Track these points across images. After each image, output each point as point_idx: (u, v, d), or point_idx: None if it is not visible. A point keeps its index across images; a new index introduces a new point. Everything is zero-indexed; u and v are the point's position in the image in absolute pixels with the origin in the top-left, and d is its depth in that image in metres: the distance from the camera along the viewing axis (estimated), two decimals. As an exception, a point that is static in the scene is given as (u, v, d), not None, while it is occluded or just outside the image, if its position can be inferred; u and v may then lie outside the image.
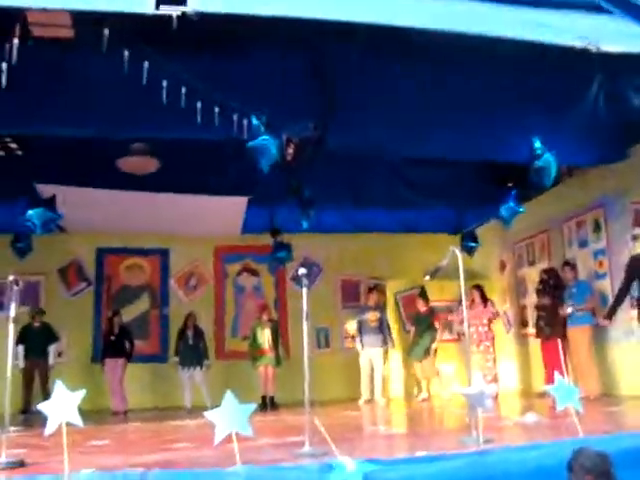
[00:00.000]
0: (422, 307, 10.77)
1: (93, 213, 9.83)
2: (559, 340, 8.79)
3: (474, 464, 3.68)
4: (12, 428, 6.80)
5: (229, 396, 3.72)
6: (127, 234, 11.61)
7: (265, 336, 10.06)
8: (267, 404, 9.78)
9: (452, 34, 5.11)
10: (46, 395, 10.25)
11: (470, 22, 5.07)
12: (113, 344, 10.18)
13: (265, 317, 10.30)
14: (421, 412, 8.62)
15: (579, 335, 8.66)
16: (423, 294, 10.93)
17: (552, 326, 8.97)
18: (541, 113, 6.86)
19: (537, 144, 6.65)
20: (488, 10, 5.09)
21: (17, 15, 4.78)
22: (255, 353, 10.11)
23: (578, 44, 5.09)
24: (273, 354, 10.06)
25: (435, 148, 7.50)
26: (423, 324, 10.66)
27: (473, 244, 11.15)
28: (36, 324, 10.49)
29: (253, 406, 3.84)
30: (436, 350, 10.63)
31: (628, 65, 6.16)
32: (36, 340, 10.32)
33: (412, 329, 10.95)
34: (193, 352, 10.24)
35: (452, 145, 7.39)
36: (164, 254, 12.07)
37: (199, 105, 5.71)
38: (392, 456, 4.10)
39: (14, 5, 4.36)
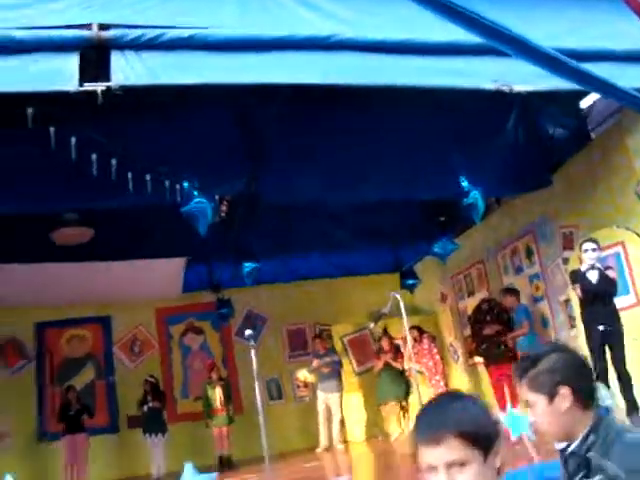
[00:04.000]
0: (387, 346, 10.73)
1: (30, 287, 9.63)
2: (505, 365, 8.96)
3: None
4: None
5: (188, 467, 3.68)
6: (66, 305, 11.35)
7: (217, 395, 9.94)
8: (225, 464, 9.61)
9: (373, 87, 5.31)
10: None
11: (387, 74, 5.28)
12: (72, 419, 9.86)
13: (215, 376, 10.18)
14: (380, 455, 8.61)
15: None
16: (387, 333, 10.90)
17: (500, 352, 9.10)
18: (465, 152, 7.12)
19: (464, 183, 6.87)
20: (402, 61, 5.31)
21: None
22: (209, 413, 9.97)
23: (491, 86, 5.36)
24: (225, 413, 9.94)
25: (367, 192, 7.65)
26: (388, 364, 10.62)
27: (413, 281, 11.32)
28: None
29: (214, 475, 3.81)
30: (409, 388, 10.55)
31: (540, 99, 6.51)
32: None
33: (376, 370, 10.85)
34: (155, 419, 10.04)
35: (383, 187, 7.55)
36: (105, 322, 11.83)
37: (130, 174, 5.72)
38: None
39: None
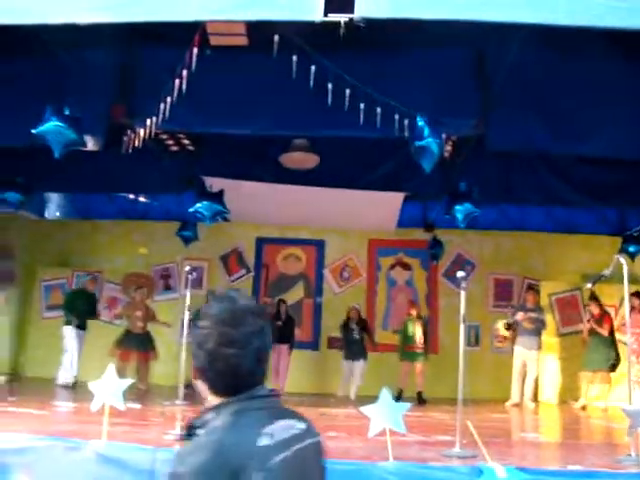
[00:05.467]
0: (595, 310, 10.22)
1: (255, 205, 10.33)
2: None
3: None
4: (178, 402, 7.41)
5: (385, 393, 3.85)
6: (285, 225, 12.09)
7: (417, 332, 10.13)
8: (416, 399, 9.84)
9: (619, 30, 4.92)
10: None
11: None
12: (280, 330, 10.63)
13: (414, 313, 10.36)
14: (574, 421, 8.35)
15: None
16: (594, 297, 10.34)
17: None
18: None
19: None
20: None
21: (197, 26, 5.16)
22: (406, 349, 10.20)
23: None
24: (422, 350, 10.12)
25: (600, 147, 7.16)
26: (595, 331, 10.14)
27: (637, 248, 10.55)
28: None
29: (408, 405, 3.95)
30: (619, 360, 10.00)
31: None
32: None
33: (585, 334, 10.41)
34: (358, 346, 10.55)
35: (618, 144, 7.06)
36: (320, 245, 12.41)
37: (362, 106, 5.87)
38: (543, 467, 4.06)
39: (194, 18, 4.71)
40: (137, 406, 7.00)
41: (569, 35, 5.12)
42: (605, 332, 9.95)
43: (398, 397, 9.63)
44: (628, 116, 6.67)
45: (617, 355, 9.82)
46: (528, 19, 4.92)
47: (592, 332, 10.11)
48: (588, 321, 10.30)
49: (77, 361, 9.92)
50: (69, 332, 10.04)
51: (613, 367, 9.89)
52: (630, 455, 4.14)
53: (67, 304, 10.40)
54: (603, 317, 10.11)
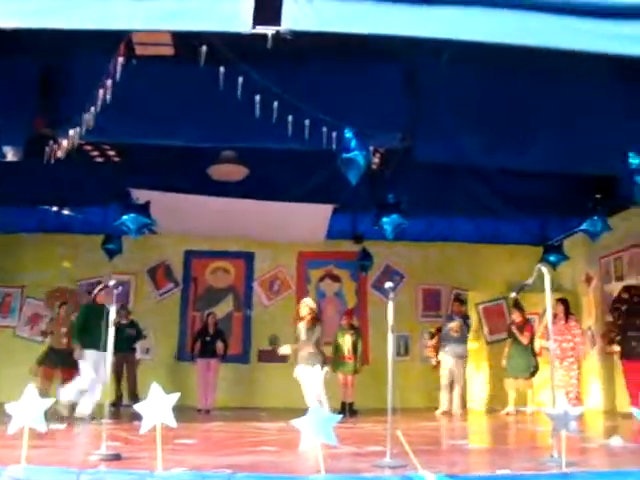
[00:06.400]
0: (517, 318, 10.53)
1: (183, 217, 10.19)
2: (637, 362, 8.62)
3: (557, 486, 3.67)
4: (104, 420, 7.20)
5: (316, 405, 3.83)
6: (214, 238, 11.97)
7: (347, 343, 10.15)
8: (346, 410, 9.86)
9: (544, 49, 5.08)
10: (134, 389, 10.69)
11: (563, 37, 5.02)
12: (208, 344, 10.48)
13: (347, 323, 10.39)
14: (501, 427, 8.52)
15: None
16: (517, 305, 10.68)
17: (631, 347, 8.71)
18: (635, 124, 6.69)
19: (632, 160, 6.47)
20: (576, 24, 4.99)
21: (123, 35, 5.07)
22: (337, 360, 10.21)
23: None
24: (353, 361, 10.14)
25: (527, 160, 7.36)
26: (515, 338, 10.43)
27: (557, 257, 10.89)
28: (124, 321, 10.88)
29: (338, 417, 3.94)
30: (537, 366, 10.37)
31: None
32: (125, 336, 10.70)
33: (508, 341, 10.70)
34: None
35: (545, 158, 7.25)
36: (249, 258, 12.35)
37: (290, 118, 5.87)
38: (473, 473, 4.12)
39: (121, 27, 4.63)
40: (61, 427, 6.76)
41: (498, 51, 5.25)
42: (525, 340, 10.28)
43: (344, 411, 9.62)
44: (552, 131, 6.89)
45: (536, 362, 10.19)
46: (453, 35, 5.04)
47: (513, 340, 10.43)
48: (510, 327, 10.63)
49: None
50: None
51: (533, 373, 10.24)
52: (553, 456, 4.26)
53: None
54: (525, 325, 10.44)
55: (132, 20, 4.51)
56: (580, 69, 5.97)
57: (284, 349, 8.14)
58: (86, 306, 8.89)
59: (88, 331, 8.00)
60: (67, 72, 6.47)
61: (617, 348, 9.43)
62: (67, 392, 8.08)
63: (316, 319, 8.18)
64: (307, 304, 8.25)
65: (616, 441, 5.71)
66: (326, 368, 8.15)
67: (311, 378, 7.77)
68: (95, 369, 8.04)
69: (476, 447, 6.28)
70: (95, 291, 8.74)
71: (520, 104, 6.65)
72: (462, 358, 10.40)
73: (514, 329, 10.44)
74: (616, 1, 4.92)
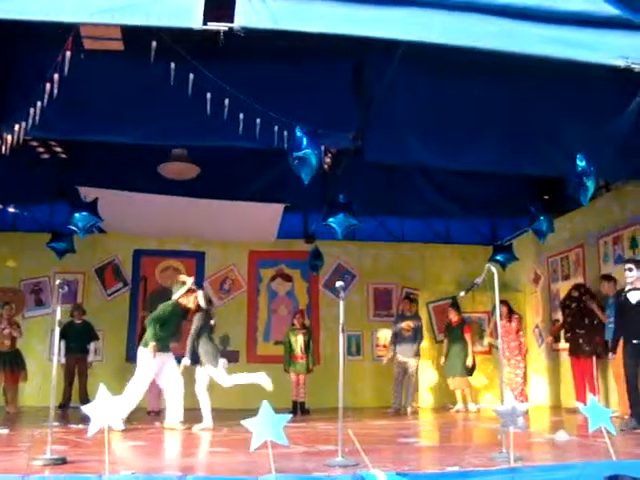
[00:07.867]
0: (454, 317, 10.74)
1: (132, 216, 10.05)
2: (594, 358, 8.82)
3: (505, 482, 3.72)
4: (50, 424, 7.02)
5: (266, 405, 3.80)
6: (164, 237, 11.83)
7: (298, 342, 10.13)
8: (297, 409, 9.84)
9: (490, 52, 5.15)
10: (84, 391, 10.45)
11: (508, 40, 5.09)
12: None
13: (298, 323, 10.36)
14: (451, 425, 8.62)
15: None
16: (455, 304, 10.89)
17: (592, 344, 8.91)
18: (580, 129, 6.85)
19: (577, 162, 6.60)
20: (525, 28, 5.08)
21: (70, 29, 4.95)
22: (289, 359, 10.18)
23: (620, 63, 5.10)
24: (305, 360, 10.13)
25: (474, 161, 7.47)
26: (455, 335, 10.63)
27: (506, 256, 11.07)
28: (77, 321, 10.60)
29: (288, 416, 3.92)
30: (474, 366, 10.54)
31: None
32: (77, 337, 10.42)
33: (445, 340, 10.89)
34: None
35: (490, 158, 7.38)
36: (199, 257, 12.21)
37: (241, 116, 5.83)
38: (423, 470, 4.14)
39: (68, 20, 4.52)
40: (4, 431, 6.58)
41: (448, 53, 5.30)
42: (462, 339, 10.46)
43: (295, 410, 9.60)
44: (498, 133, 7.00)
45: (473, 361, 10.38)
46: (403, 36, 5.08)
47: (450, 340, 10.60)
48: (446, 327, 10.81)
49: None
50: None
51: (470, 372, 10.42)
52: (502, 452, 4.32)
53: None
54: (462, 325, 10.61)
55: (79, 13, 4.42)
56: (528, 72, 6.08)
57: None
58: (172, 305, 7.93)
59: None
60: (13, 64, 6.28)
61: (566, 345, 9.63)
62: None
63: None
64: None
65: (562, 436, 5.84)
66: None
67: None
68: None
69: (426, 445, 6.33)
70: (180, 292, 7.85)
71: (469, 106, 6.73)
72: (414, 357, 10.46)
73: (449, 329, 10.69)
74: (562, 7, 5.05)
